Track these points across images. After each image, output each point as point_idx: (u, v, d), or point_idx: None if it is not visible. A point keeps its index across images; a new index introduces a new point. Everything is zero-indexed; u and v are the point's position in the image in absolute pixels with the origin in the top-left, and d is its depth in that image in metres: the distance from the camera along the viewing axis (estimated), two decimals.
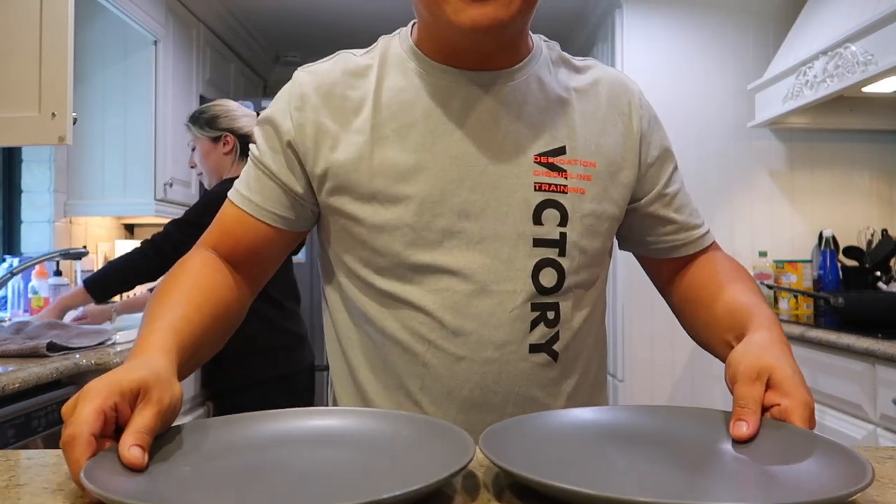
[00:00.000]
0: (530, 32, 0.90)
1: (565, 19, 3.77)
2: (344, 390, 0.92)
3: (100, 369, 1.64)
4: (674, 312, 0.97)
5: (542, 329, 0.83)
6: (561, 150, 0.84)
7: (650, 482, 0.61)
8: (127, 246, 3.06)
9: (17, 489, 0.62)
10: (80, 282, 2.54)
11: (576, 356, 0.88)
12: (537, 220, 0.82)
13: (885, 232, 2.88)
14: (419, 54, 0.86)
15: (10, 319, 2.25)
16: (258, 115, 2.18)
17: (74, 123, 1.96)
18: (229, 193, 0.91)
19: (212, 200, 2.03)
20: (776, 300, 2.92)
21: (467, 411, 0.83)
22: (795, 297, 2.84)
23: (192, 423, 0.70)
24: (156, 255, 2.01)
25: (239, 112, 2.17)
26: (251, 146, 0.91)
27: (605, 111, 0.88)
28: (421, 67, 0.85)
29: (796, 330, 2.28)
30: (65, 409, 0.59)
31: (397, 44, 0.89)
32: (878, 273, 2.80)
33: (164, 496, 0.57)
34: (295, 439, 0.69)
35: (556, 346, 0.85)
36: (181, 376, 0.69)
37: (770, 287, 2.90)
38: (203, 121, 2.14)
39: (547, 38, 0.93)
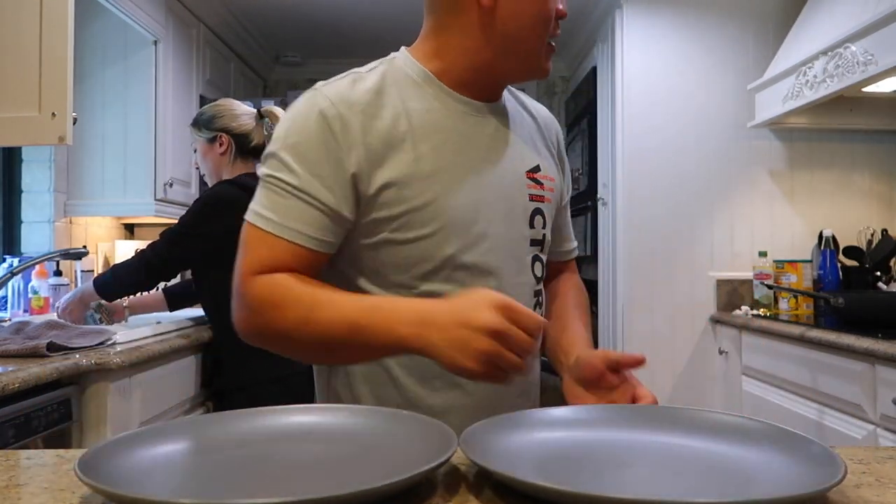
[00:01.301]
0: None
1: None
2: (380, 389, 0.96)
3: (100, 369, 1.65)
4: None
5: (539, 313, 1.01)
6: (537, 168, 1.02)
7: (629, 480, 0.62)
8: (127, 246, 3.06)
9: (17, 489, 0.62)
10: (79, 282, 2.55)
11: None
12: (531, 224, 1.00)
13: (885, 232, 2.88)
14: (436, 81, 0.96)
15: (10, 319, 2.25)
16: (258, 112, 2.18)
17: (74, 123, 1.96)
18: (265, 225, 0.89)
19: (202, 209, 2.02)
20: (776, 300, 2.92)
21: (503, 393, 0.92)
22: (795, 297, 2.84)
23: (190, 420, 0.70)
24: (146, 271, 2.03)
25: (238, 110, 2.15)
26: (274, 172, 0.89)
27: (547, 135, 1.08)
28: (439, 93, 0.96)
29: (796, 330, 2.28)
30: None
31: (402, 67, 0.97)
32: (878, 273, 2.80)
33: (158, 488, 0.57)
34: (282, 434, 0.71)
35: None
36: None
37: (770, 287, 2.90)
38: (201, 122, 2.15)
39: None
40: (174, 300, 2.35)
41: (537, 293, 1.02)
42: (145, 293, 2.39)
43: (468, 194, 0.92)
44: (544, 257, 1.04)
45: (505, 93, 1.02)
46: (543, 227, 1.02)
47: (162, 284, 2.54)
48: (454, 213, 0.91)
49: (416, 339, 0.78)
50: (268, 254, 0.89)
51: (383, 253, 0.92)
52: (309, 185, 0.87)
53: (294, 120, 0.90)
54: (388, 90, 0.93)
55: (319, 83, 0.94)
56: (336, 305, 0.84)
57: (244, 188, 2.05)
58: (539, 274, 1.02)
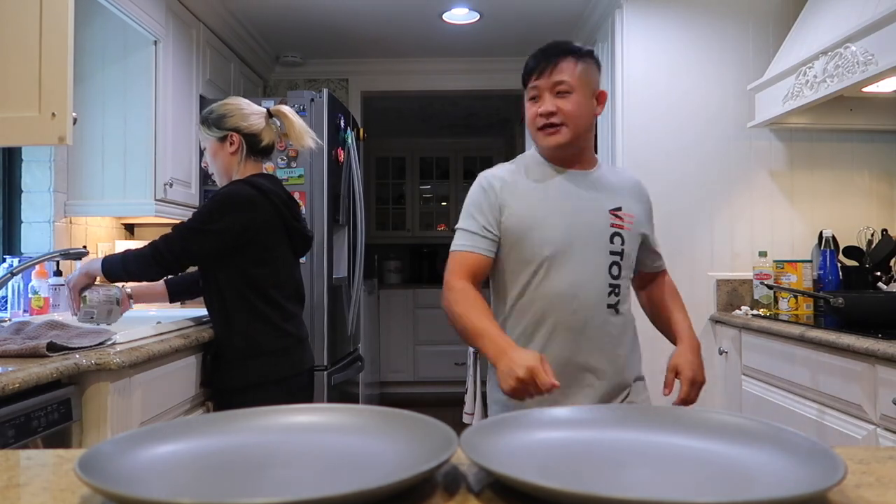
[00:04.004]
0: (596, 156, 1.75)
1: (565, 19, 3.77)
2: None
3: (100, 369, 1.65)
4: (640, 304, 1.92)
5: (613, 299, 1.70)
6: (619, 208, 1.66)
7: (629, 480, 0.62)
8: (127, 246, 3.06)
9: (17, 489, 0.62)
10: None
11: None
12: (611, 241, 1.64)
13: (885, 232, 2.88)
14: (543, 160, 1.71)
15: (10, 319, 2.25)
16: (268, 111, 2.16)
17: (74, 123, 1.96)
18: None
19: (218, 206, 2.01)
20: (776, 300, 2.92)
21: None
22: (795, 297, 2.84)
23: (190, 420, 0.70)
24: (157, 264, 2.01)
25: (248, 110, 2.13)
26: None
27: (634, 193, 1.75)
28: (549, 164, 1.69)
29: (796, 330, 2.28)
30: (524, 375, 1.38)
31: (534, 153, 1.73)
32: (878, 273, 2.80)
33: (158, 488, 0.57)
34: (282, 434, 0.71)
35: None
36: None
37: (770, 287, 2.90)
38: (211, 120, 2.12)
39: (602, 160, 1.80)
40: (176, 291, 2.34)
41: (612, 286, 1.62)
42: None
43: (566, 221, 1.61)
44: (622, 263, 1.63)
45: (604, 166, 1.74)
46: (622, 244, 1.64)
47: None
48: (548, 240, 1.61)
49: (494, 359, 1.44)
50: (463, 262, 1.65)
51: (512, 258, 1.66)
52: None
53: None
54: (518, 170, 1.70)
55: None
56: (478, 315, 1.52)
57: (258, 188, 2.05)
58: (615, 273, 1.62)
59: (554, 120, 1.58)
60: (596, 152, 3.53)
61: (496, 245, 1.62)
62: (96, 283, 2.10)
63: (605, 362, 1.63)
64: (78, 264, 2.60)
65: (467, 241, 1.62)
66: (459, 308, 1.54)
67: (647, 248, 1.76)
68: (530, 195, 1.62)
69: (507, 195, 1.62)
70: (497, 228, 1.61)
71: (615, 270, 1.62)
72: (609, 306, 1.62)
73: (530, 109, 1.62)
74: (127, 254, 2.07)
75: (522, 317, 1.63)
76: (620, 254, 1.63)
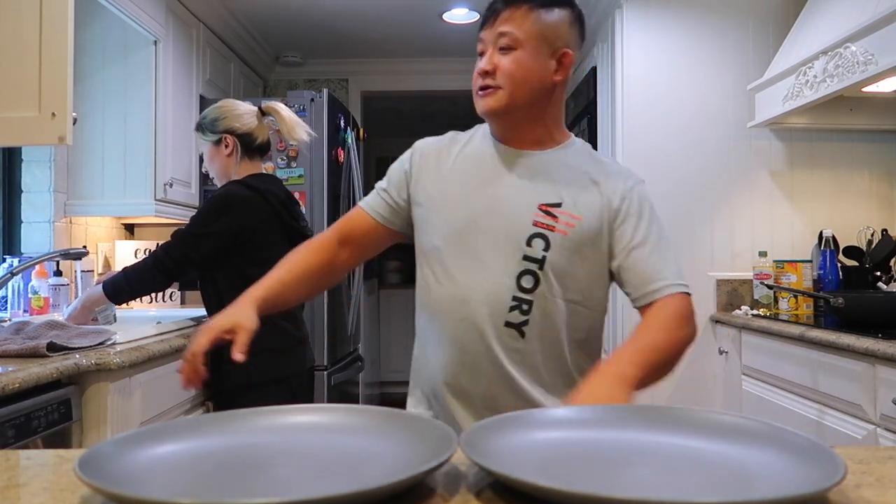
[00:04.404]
0: (571, 135, 1.39)
1: None
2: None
3: (100, 369, 1.65)
4: None
5: (516, 316, 1.28)
6: (557, 204, 1.27)
7: (629, 480, 0.62)
8: (127, 246, 3.06)
9: (17, 489, 0.62)
10: (79, 282, 2.54)
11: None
12: (528, 243, 1.25)
13: (885, 232, 2.88)
14: (490, 135, 1.38)
15: (10, 319, 2.25)
16: (260, 109, 2.18)
17: (74, 123, 1.96)
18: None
19: (213, 208, 2.03)
20: (776, 300, 2.92)
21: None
22: (795, 297, 2.84)
23: (190, 420, 0.70)
24: (159, 272, 2.03)
25: (240, 110, 2.15)
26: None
27: (604, 191, 1.31)
28: (491, 140, 1.36)
29: (796, 330, 2.28)
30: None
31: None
32: (878, 273, 2.80)
33: (158, 488, 0.57)
34: (282, 434, 0.71)
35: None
36: (266, 305, 1.23)
37: (770, 287, 2.90)
38: (205, 125, 2.14)
39: (584, 143, 1.40)
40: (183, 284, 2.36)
41: (519, 300, 1.24)
42: (165, 304, 2.40)
43: (471, 208, 1.29)
44: (542, 274, 1.24)
45: (575, 151, 1.35)
46: (546, 251, 1.24)
47: (177, 289, 2.55)
48: (446, 227, 1.30)
49: None
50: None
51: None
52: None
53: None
54: (461, 139, 1.41)
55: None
56: (275, 269, 1.33)
57: (253, 188, 2.06)
58: (527, 286, 1.24)
59: (489, 81, 1.27)
60: (596, 146, 3.53)
61: (393, 214, 1.37)
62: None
63: (482, 393, 1.26)
64: (77, 266, 2.60)
65: (366, 199, 1.41)
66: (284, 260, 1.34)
67: (625, 267, 1.27)
68: (449, 173, 1.33)
69: (423, 167, 1.36)
70: (399, 198, 1.37)
71: (528, 282, 1.24)
72: (508, 324, 1.24)
73: (476, 64, 1.31)
74: (126, 270, 2.09)
75: (420, 319, 1.36)
76: (540, 262, 1.24)
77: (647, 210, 1.31)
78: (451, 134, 1.41)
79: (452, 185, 1.31)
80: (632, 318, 3.04)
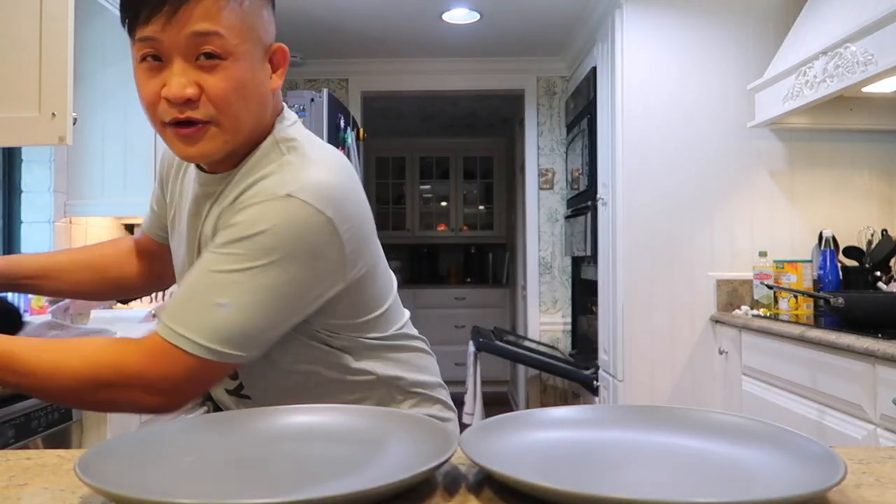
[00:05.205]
0: (277, 122, 0.96)
1: (565, 19, 3.77)
2: None
3: None
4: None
5: None
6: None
7: (629, 480, 0.62)
8: None
9: (17, 489, 0.62)
10: None
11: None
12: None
13: (885, 232, 2.88)
14: None
15: None
16: None
17: (74, 123, 1.96)
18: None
19: None
20: (776, 300, 2.92)
21: None
22: (795, 297, 2.84)
23: (190, 420, 0.70)
24: None
25: None
26: None
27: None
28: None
29: (796, 330, 2.28)
30: None
31: None
32: (878, 273, 2.80)
33: (158, 488, 0.57)
34: (282, 434, 0.71)
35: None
36: (9, 287, 1.10)
37: (770, 287, 2.90)
38: None
39: (285, 137, 0.94)
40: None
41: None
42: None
43: (174, 244, 1.06)
44: None
45: (234, 182, 0.92)
46: None
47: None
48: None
49: None
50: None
51: None
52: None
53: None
54: None
55: None
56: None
57: None
58: None
59: (195, 114, 0.85)
60: (595, 146, 3.54)
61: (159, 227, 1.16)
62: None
63: None
64: None
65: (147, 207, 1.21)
66: None
67: None
68: (172, 194, 1.07)
69: (164, 179, 1.11)
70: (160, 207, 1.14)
71: None
72: (228, 392, 1.01)
73: (147, 83, 0.86)
74: None
75: None
76: None
77: (234, 224, 0.85)
78: None
79: (172, 216, 1.07)
80: (632, 318, 3.06)
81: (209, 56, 0.83)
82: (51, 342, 0.86)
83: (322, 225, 0.83)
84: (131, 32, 0.85)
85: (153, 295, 3.01)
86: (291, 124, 0.96)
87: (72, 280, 1.15)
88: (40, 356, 0.82)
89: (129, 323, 2.30)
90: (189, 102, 0.84)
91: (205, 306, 0.81)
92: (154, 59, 0.84)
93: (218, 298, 0.81)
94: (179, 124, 0.85)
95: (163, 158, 1.10)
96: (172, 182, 1.06)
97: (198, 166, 0.96)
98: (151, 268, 1.21)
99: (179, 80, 0.83)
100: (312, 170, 0.88)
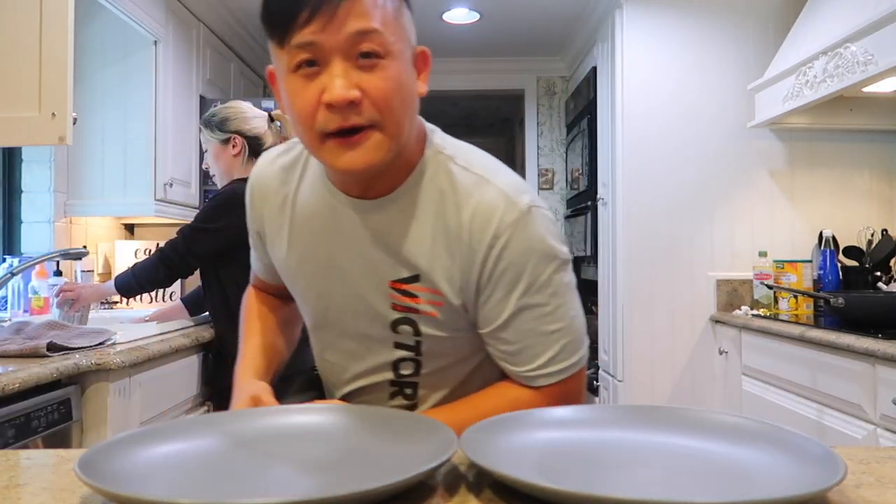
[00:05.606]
0: (427, 133, 0.95)
1: (565, 19, 3.77)
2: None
3: (100, 369, 1.65)
4: None
5: (403, 405, 1.03)
6: (415, 279, 0.92)
7: (629, 480, 0.62)
8: (127, 246, 3.06)
9: (17, 489, 0.62)
10: (79, 281, 2.55)
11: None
12: (394, 329, 0.96)
13: (885, 232, 2.88)
14: (325, 171, 0.95)
15: (10, 319, 2.25)
16: (269, 115, 2.22)
17: (74, 123, 1.96)
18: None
19: (218, 205, 2.06)
20: (776, 300, 2.92)
21: None
22: (795, 297, 2.84)
23: (190, 420, 0.70)
24: (164, 266, 2.07)
25: (250, 114, 2.19)
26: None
27: (463, 245, 0.90)
28: (327, 182, 0.95)
29: (796, 330, 2.28)
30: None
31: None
32: (878, 273, 2.80)
33: (158, 488, 0.57)
34: (282, 434, 0.71)
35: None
36: (269, 376, 1.05)
37: (770, 287, 2.90)
38: (214, 123, 2.17)
39: (443, 148, 0.94)
40: (194, 308, 2.40)
41: (399, 385, 1.01)
42: (165, 304, 2.44)
43: (321, 286, 0.99)
44: (420, 359, 0.98)
45: (426, 181, 0.90)
46: (416, 335, 0.95)
47: (178, 290, 2.59)
48: (309, 309, 1.04)
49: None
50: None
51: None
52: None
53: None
54: (295, 169, 1.00)
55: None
56: (243, 349, 1.09)
57: None
58: (406, 371, 0.99)
59: (359, 119, 0.80)
60: (595, 146, 3.54)
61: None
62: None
63: None
64: (77, 266, 2.60)
65: (253, 261, 1.18)
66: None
67: (487, 333, 0.94)
68: (289, 238, 1.00)
69: (264, 216, 1.04)
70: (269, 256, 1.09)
71: (408, 368, 0.99)
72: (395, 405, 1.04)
73: (302, 92, 0.81)
74: (136, 268, 2.16)
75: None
76: (415, 348, 0.97)
77: (530, 267, 0.89)
78: (283, 161, 1.01)
79: (296, 258, 1.00)
80: (632, 318, 3.06)
81: (367, 55, 0.79)
82: (455, 409, 0.95)
83: (550, 214, 0.96)
84: (283, 40, 0.80)
85: (153, 295, 3.01)
86: (435, 131, 0.97)
87: (288, 348, 1.17)
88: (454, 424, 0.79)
89: (128, 323, 2.30)
90: (352, 105, 0.79)
91: (551, 339, 0.91)
92: (308, 66, 0.80)
93: (550, 326, 0.91)
94: (342, 133, 0.80)
95: (250, 213, 1.07)
96: (275, 230, 1.01)
97: (337, 189, 0.93)
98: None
99: (342, 82, 0.78)
100: (501, 173, 0.93)
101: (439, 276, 0.90)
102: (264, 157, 1.05)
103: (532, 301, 0.89)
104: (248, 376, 1.01)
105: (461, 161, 0.92)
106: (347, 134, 0.80)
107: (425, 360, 0.98)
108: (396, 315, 0.94)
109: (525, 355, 0.92)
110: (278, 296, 1.16)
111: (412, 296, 0.92)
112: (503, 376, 0.98)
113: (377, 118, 0.80)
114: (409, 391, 1.02)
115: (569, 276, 0.93)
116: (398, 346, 0.97)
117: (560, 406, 0.83)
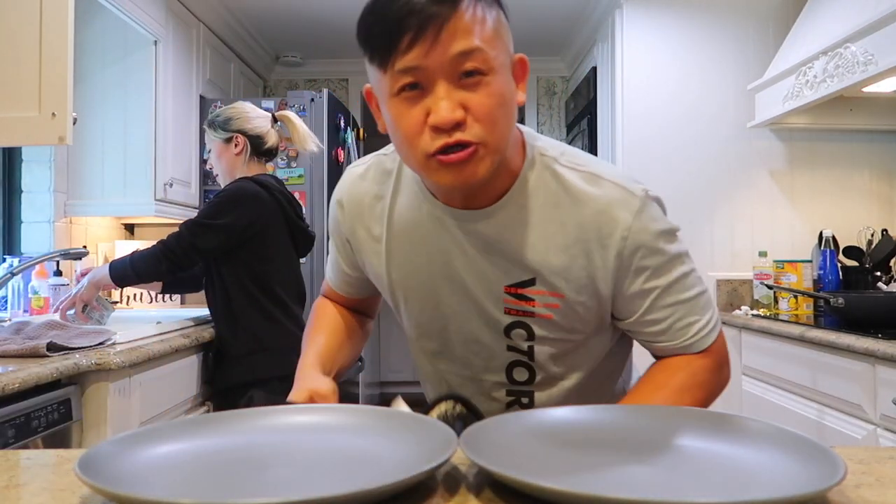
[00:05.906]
0: (525, 140, 0.95)
1: (565, 19, 3.77)
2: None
3: (100, 369, 1.65)
4: None
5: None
6: (528, 282, 0.93)
7: (629, 480, 0.62)
8: (127, 246, 3.06)
9: (17, 489, 0.62)
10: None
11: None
12: (507, 335, 0.97)
13: (885, 232, 2.88)
14: (422, 184, 0.95)
15: (10, 319, 2.25)
16: (273, 116, 2.24)
17: (74, 123, 1.96)
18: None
19: (223, 201, 2.06)
20: (776, 300, 2.92)
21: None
22: (795, 297, 2.84)
23: (190, 420, 0.70)
24: (166, 259, 2.04)
25: (253, 114, 2.20)
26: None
27: (582, 244, 0.92)
28: (427, 194, 0.95)
29: (796, 330, 2.28)
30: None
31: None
32: (878, 273, 2.80)
33: (158, 488, 0.57)
34: (282, 434, 0.71)
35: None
36: (334, 374, 1.03)
37: (770, 287, 2.90)
38: (217, 123, 2.19)
39: (544, 150, 0.95)
40: (170, 283, 2.32)
41: (514, 393, 1.03)
42: (166, 304, 2.41)
43: (428, 294, 0.99)
44: (533, 364, 1.00)
45: (532, 186, 0.92)
46: (529, 339, 0.97)
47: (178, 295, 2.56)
48: (413, 318, 1.03)
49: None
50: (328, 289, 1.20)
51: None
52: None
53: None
54: (388, 182, 1.01)
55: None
56: (309, 344, 1.09)
57: (263, 185, 2.11)
58: (521, 378, 1.01)
59: (464, 136, 0.80)
60: (596, 146, 3.54)
61: (367, 286, 1.12)
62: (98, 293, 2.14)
63: None
64: (78, 266, 2.60)
65: (329, 274, 1.18)
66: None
67: (634, 321, 0.97)
68: (388, 250, 1.01)
69: (358, 241, 1.05)
70: (360, 271, 1.10)
71: (521, 374, 1.01)
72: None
73: (407, 114, 0.81)
74: (134, 255, 2.10)
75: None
76: (528, 353, 0.99)
77: (661, 247, 0.93)
78: (373, 175, 1.03)
79: (397, 269, 1.00)
80: None
81: (471, 73, 0.79)
82: (645, 396, 0.96)
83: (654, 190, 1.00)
84: (386, 64, 0.81)
85: (153, 295, 3.01)
86: (532, 134, 0.98)
87: (352, 359, 1.17)
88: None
89: (128, 322, 2.30)
90: (457, 125, 0.79)
91: (694, 303, 0.96)
92: (412, 89, 0.80)
93: (688, 293, 0.95)
94: (448, 151, 0.80)
95: (339, 227, 1.06)
96: (371, 243, 1.02)
97: (439, 200, 0.93)
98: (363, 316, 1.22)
99: (447, 104, 0.78)
100: (605, 166, 0.96)
101: (557, 277, 0.92)
102: (351, 172, 1.05)
103: (670, 277, 0.94)
104: (316, 370, 1.01)
105: (565, 161, 0.94)
106: (453, 151, 0.80)
107: (538, 366, 1.00)
108: (510, 319, 0.96)
109: (678, 326, 0.95)
110: (349, 308, 1.18)
111: (528, 299, 0.94)
112: (615, 393, 1.07)
113: (482, 135, 0.80)
114: (524, 399, 1.03)
115: (685, 250, 0.98)
116: (512, 349, 0.99)
117: (724, 358, 0.98)
